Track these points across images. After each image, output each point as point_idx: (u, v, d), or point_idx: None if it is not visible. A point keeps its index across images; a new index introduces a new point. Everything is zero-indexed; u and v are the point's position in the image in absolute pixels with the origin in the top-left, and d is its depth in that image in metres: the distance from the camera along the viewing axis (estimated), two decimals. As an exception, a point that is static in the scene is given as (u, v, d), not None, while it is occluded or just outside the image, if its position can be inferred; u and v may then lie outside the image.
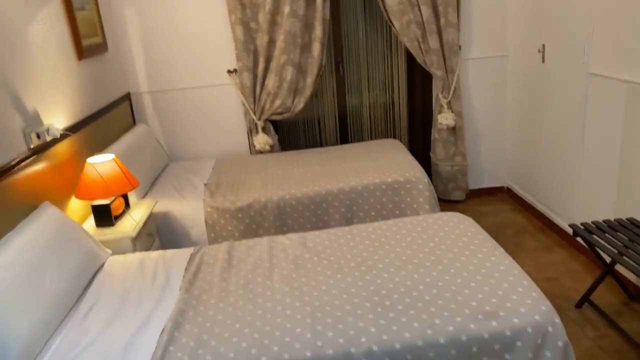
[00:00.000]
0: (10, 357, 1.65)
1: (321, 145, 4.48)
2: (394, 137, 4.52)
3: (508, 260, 2.10)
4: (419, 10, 3.70)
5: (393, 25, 3.79)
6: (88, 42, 3.11)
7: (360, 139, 4.49)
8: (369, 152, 3.68)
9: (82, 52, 2.97)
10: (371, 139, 4.52)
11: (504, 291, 1.89)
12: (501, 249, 2.19)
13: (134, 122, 3.89)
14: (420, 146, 4.38)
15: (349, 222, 3.14)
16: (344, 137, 4.42)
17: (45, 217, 2.20)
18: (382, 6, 3.76)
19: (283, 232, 3.12)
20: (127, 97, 3.80)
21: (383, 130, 4.51)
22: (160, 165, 3.72)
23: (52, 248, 2.08)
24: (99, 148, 3.15)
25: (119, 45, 3.76)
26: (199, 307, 1.99)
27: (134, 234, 2.57)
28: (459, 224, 2.46)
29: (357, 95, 4.41)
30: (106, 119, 3.35)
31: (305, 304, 1.93)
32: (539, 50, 3.48)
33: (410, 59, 4.17)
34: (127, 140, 3.40)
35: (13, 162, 2.17)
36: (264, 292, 2.04)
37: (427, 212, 3.12)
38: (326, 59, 4.03)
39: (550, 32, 3.33)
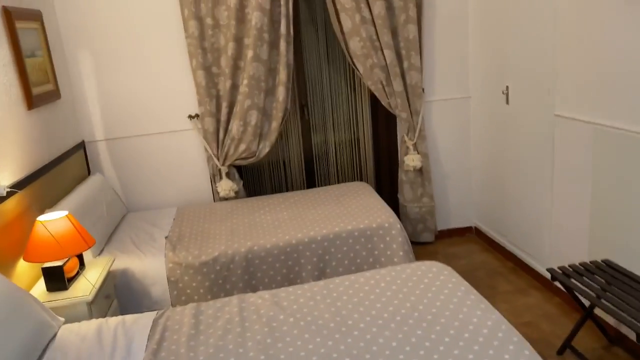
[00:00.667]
0: None
1: (288, 189, 4.37)
2: (361, 179, 4.46)
3: (495, 314, 2.00)
4: (382, 54, 3.70)
5: (357, 68, 3.77)
6: (39, 89, 2.93)
7: (327, 181, 4.41)
8: (338, 197, 3.59)
9: (32, 101, 2.78)
10: (338, 181, 4.44)
11: (494, 350, 1.78)
12: (486, 302, 2.10)
13: (88, 172, 3.66)
14: (387, 188, 4.32)
15: (321, 272, 3.00)
16: (311, 180, 4.32)
17: (-12, 287, 1.96)
18: (345, 50, 3.74)
19: (252, 286, 2.95)
20: (81, 145, 3.59)
21: (350, 172, 4.45)
22: (118, 217, 3.50)
23: (-5, 323, 1.84)
24: (52, 202, 2.92)
25: (73, 92, 3.57)
26: (165, 384, 1.79)
27: (90, 298, 2.35)
28: (439, 274, 2.37)
29: (322, 138, 4.34)
30: (59, 170, 3.13)
31: (284, 374, 1.77)
32: (502, 91, 3.52)
33: (374, 100, 4.15)
34: (81, 192, 3.18)
35: (-49, 227, 1.95)
36: (238, 362, 1.87)
37: (401, 259, 3.03)
38: (291, 102, 3.96)
39: (514, 73, 3.37)
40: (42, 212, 2.73)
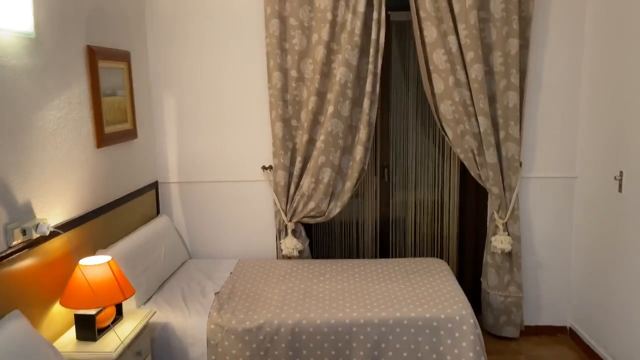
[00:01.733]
0: None
1: (358, 254, 4.06)
2: (441, 256, 4.02)
3: None
4: (476, 120, 3.35)
5: (446, 134, 3.44)
6: (114, 128, 2.94)
7: (403, 252, 4.03)
8: (409, 273, 3.21)
9: (103, 139, 2.77)
10: (415, 253, 4.05)
11: None
12: None
13: (157, 213, 3.63)
14: (469, 269, 3.86)
15: (374, 361, 2.63)
16: (385, 247, 3.99)
17: (7, 333, 1.86)
18: (435, 114, 3.44)
19: (295, 364, 2.64)
20: (154, 185, 3.58)
21: (429, 246, 4.04)
22: (177, 263, 3.40)
23: (2, 374, 1.72)
24: (113, 240, 2.87)
25: (153, 132, 3.60)
26: None
27: (114, 355, 2.18)
28: (510, 397, 1.92)
29: (402, 203, 4.01)
30: (126, 209, 3.11)
31: None
32: (615, 177, 3.00)
33: (463, 171, 3.77)
34: (142, 234, 3.12)
35: (-18, 263, 1.88)
36: None
37: (471, 361, 2.57)
38: (371, 162, 3.71)
39: (631, 158, 2.86)
40: (94, 252, 2.67)
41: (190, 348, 2.69)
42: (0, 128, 2.03)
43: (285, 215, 3.55)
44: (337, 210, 3.53)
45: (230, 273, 3.30)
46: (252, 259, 3.62)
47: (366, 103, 3.37)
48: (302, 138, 3.45)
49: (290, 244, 3.51)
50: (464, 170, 3.77)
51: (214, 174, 3.67)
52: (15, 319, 1.95)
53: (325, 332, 2.64)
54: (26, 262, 2.14)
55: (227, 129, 3.62)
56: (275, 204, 3.59)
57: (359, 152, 3.43)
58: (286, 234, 3.57)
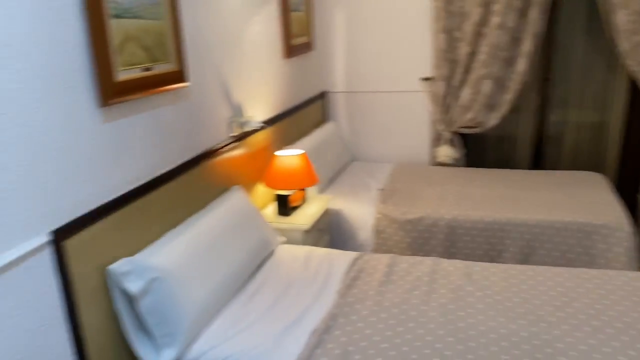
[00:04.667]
0: (184, 321, 1.86)
1: (510, 167, 4.18)
2: (599, 171, 3.99)
3: None
4: (655, 30, 3.18)
5: (619, 45, 3.32)
6: (296, 41, 3.34)
7: (557, 166, 4.07)
8: (564, 184, 3.31)
9: (290, 51, 3.20)
10: (570, 168, 4.06)
11: None
12: None
13: (324, 119, 4.08)
14: (630, 185, 3.80)
15: (525, 258, 2.87)
16: (538, 162, 4.06)
17: (234, 201, 2.43)
18: (607, 24, 3.32)
19: (450, 254, 2.99)
20: (322, 95, 4.00)
21: (586, 160, 4.02)
22: (343, 163, 3.85)
23: (234, 229, 2.29)
24: (291, 140, 3.38)
25: (323, 45, 3.97)
26: (350, 316, 2.01)
27: (306, 227, 2.71)
28: (662, 291, 2.07)
29: (561, 117, 3.99)
30: (301, 114, 3.57)
31: (458, 341, 1.82)
32: None
33: (633, 87, 3.62)
34: (316, 136, 3.58)
35: (217, 147, 2.44)
36: (418, 317, 1.98)
37: (624, 265, 2.70)
38: (530, 74, 3.72)
39: None
40: (281, 147, 3.19)
41: (359, 232, 3.16)
42: (226, 39, 2.51)
43: (442, 124, 3.78)
44: (495, 122, 3.66)
45: (390, 174, 3.67)
46: (409, 163, 3.96)
47: (534, 13, 3.36)
48: (464, 50, 3.57)
49: (446, 152, 3.77)
50: (633, 87, 3.62)
51: (376, 85, 3.98)
52: (239, 191, 2.54)
53: (480, 227, 2.92)
54: (240, 150, 2.69)
55: (390, 42, 3.86)
56: (432, 113, 3.82)
57: (521, 64, 3.48)
58: (442, 143, 3.82)
